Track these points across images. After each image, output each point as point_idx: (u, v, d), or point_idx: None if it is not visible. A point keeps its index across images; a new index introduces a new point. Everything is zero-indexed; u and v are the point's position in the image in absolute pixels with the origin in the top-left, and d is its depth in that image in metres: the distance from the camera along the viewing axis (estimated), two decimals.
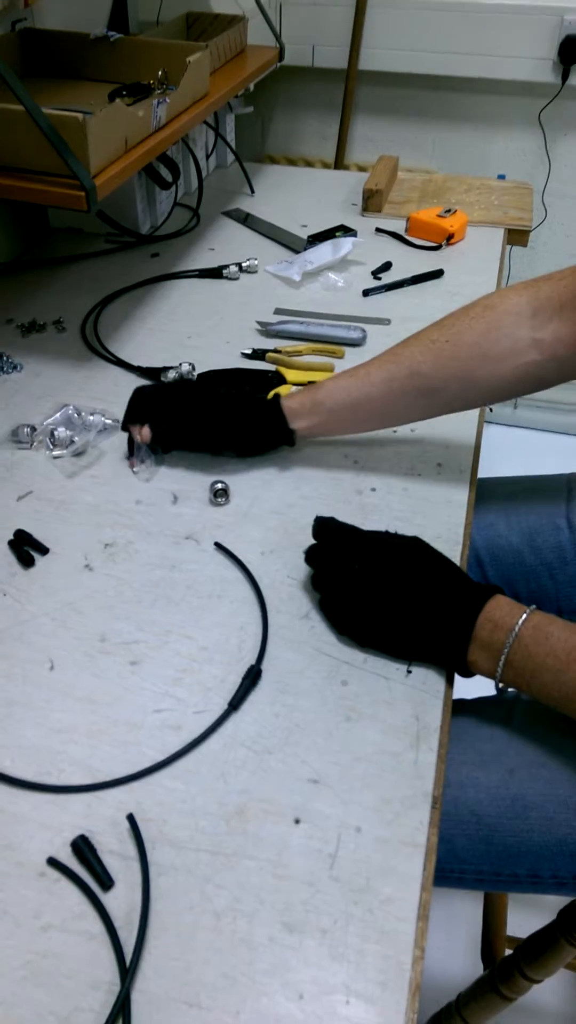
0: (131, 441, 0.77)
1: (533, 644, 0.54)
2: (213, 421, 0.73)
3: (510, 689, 0.57)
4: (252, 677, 0.58)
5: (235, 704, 0.56)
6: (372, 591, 0.58)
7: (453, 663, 0.57)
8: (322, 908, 0.46)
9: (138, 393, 0.76)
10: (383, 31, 1.65)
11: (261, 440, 0.75)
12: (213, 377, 0.86)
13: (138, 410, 0.75)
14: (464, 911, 1.09)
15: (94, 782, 0.52)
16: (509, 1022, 1.06)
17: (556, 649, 0.53)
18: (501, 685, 0.56)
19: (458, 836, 0.62)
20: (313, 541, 0.64)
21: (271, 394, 0.76)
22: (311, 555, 0.64)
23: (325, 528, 0.63)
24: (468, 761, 0.63)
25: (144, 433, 0.74)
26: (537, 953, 0.73)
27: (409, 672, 0.58)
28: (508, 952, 0.79)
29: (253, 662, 0.59)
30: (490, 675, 0.56)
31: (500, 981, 0.77)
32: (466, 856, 0.64)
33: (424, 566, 0.59)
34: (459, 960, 1.00)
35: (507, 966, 0.76)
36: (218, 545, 0.68)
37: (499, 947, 0.87)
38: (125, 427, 0.76)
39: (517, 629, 0.54)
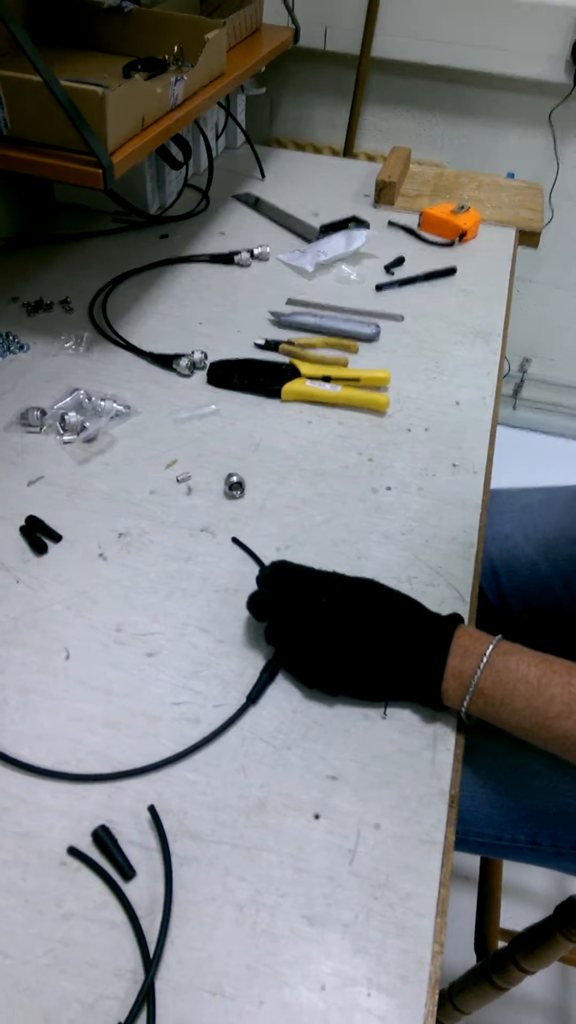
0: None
1: (504, 670, 0.52)
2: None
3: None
4: (270, 671, 0.58)
5: (253, 697, 0.56)
6: (343, 626, 0.55)
7: (427, 695, 0.55)
8: (343, 902, 0.47)
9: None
10: (398, 18, 1.63)
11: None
12: (227, 367, 0.86)
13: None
14: (457, 903, 1.12)
15: (114, 771, 0.52)
16: (497, 1010, 1.09)
17: (528, 675, 0.52)
18: (466, 715, 0.54)
19: (462, 798, 0.63)
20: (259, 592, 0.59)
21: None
22: (264, 605, 0.58)
23: (280, 572, 0.59)
24: (477, 726, 0.64)
25: None
26: (533, 946, 0.75)
27: (385, 715, 0.57)
28: (502, 944, 0.81)
29: (271, 657, 0.59)
30: (458, 703, 0.54)
31: (494, 971, 0.78)
32: (469, 818, 0.65)
33: (387, 600, 0.57)
34: (451, 950, 1.02)
35: (501, 957, 0.78)
36: (235, 540, 0.68)
37: (493, 939, 0.89)
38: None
39: (488, 655, 0.53)
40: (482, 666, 0.53)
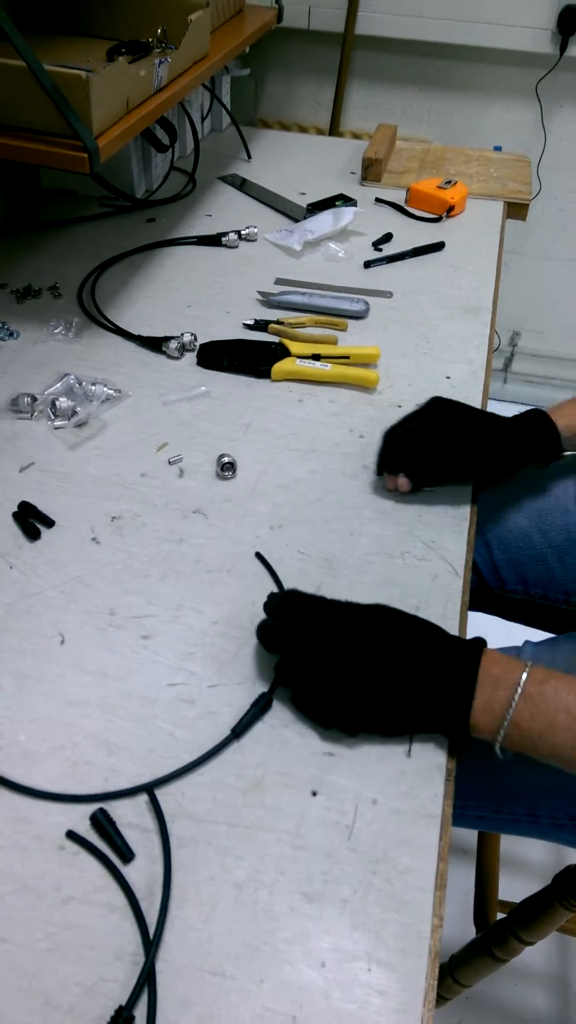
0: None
1: (541, 701, 0.49)
2: (482, 455, 0.68)
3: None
4: (261, 706, 0.54)
5: (238, 732, 0.53)
6: (363, 664, 0.51)
7: (455, 730, 0.52)
8: (341, 878, 0.47)
9: (391, 437, 0.70)
10: None
11: (528, 460, 0.70)
12: (216, 348, 0.85)
13: (393, 456, 0.69)
14: (455, 876, 1.12)
15: (109, 789, 0.51)
16: (497, 982, 1.10)
17: (568, 705, 0.49)
18: (501, 749, 0.51)
19: (460, 772, 0.62)
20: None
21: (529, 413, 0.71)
22: (275, 638, 0.55)
23: (291, 602, 0.56)
24: None
25: (401, 483, 0.69)
26: (531, 917, 0.75)
27: (409, 754, 0.53)
28: (501, 916, 0.81)
29: (266, 690, 0.56)
30: (491, 737, 0.50)
31: (493, 943, 0.79)
32: (468, 791, 0.65)
33: (405, 630, 0.54)
34: (450, 923, 1.04)
35: (500, 929, 0.78)
36: (258, 556, 0.65)
37: (491, 911, 0.90)
38: (380, 472, 0.71)
39: (522, 685, 0.49)
40: (516, 698, 0.49)
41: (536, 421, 0.70)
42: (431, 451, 0.68)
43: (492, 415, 0.71)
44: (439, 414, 0.70)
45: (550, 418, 0.70)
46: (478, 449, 0.68)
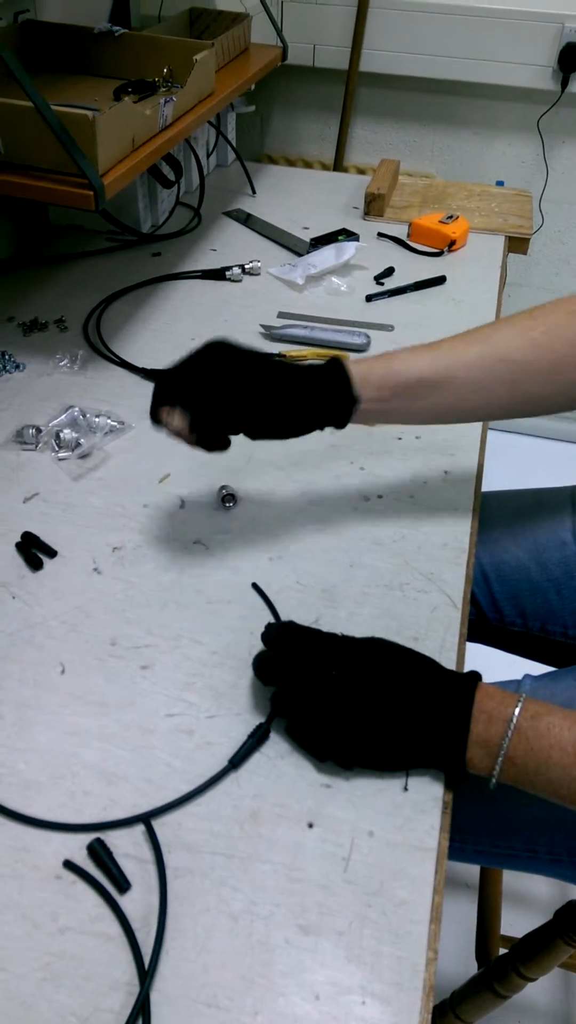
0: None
1: (535, 737, 0.49)
2: (264, 393, 0.60)
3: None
4: (258, 737, 0.55)
5: (235, 763, 0.54)
6: (357, 699, 0.52)
7: (451, 765, 0.52)
8: (337, 911, 0.47)
9: (164, 374, 0.63)
10: (385, 33, 1.66)
11: (315, 416, 0.62)
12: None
13: (168, 392, 0.62)
14: (458, 911, 1.11)
15: (107, 819, 0.52)
16: (500, 1019, 1.08)
17: (562, 741, 0.49)
18: (496, 783, 0.51)
19: (458, 806, 0.60)
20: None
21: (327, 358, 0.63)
22: (270, 668, 0.55)
23: (287, 635, 0.56)
24: None
25: (176, 422, 0.61)
26: (533, 952, 0.74)
27: (406, 789, 0.53)
28: (503, 951, 0.81)
29: (263, 720, 0.56)
30: (486, 772, 0.51)
31: (495, 979, 0.78)
32: (466, 825, 0.64)
33: (400, 665, 0.54)
34: (453, 959, 1.02)
35: (502, 965, 0.78)
36: (255, 586, 0.66)
37: (494, 946, 0.89)
38: (155, 418, 0.63)
39: (515, 720, 0.49)
40: (510, 733, 0.49)
41: (329, 371, 0.61)
42: (208, 388, 0.61)
43: (279, 363, 0.63)
44: (217, 356, 0.62)
45: (344, 369, 0.61)
46: (257, 395, 0.60)
